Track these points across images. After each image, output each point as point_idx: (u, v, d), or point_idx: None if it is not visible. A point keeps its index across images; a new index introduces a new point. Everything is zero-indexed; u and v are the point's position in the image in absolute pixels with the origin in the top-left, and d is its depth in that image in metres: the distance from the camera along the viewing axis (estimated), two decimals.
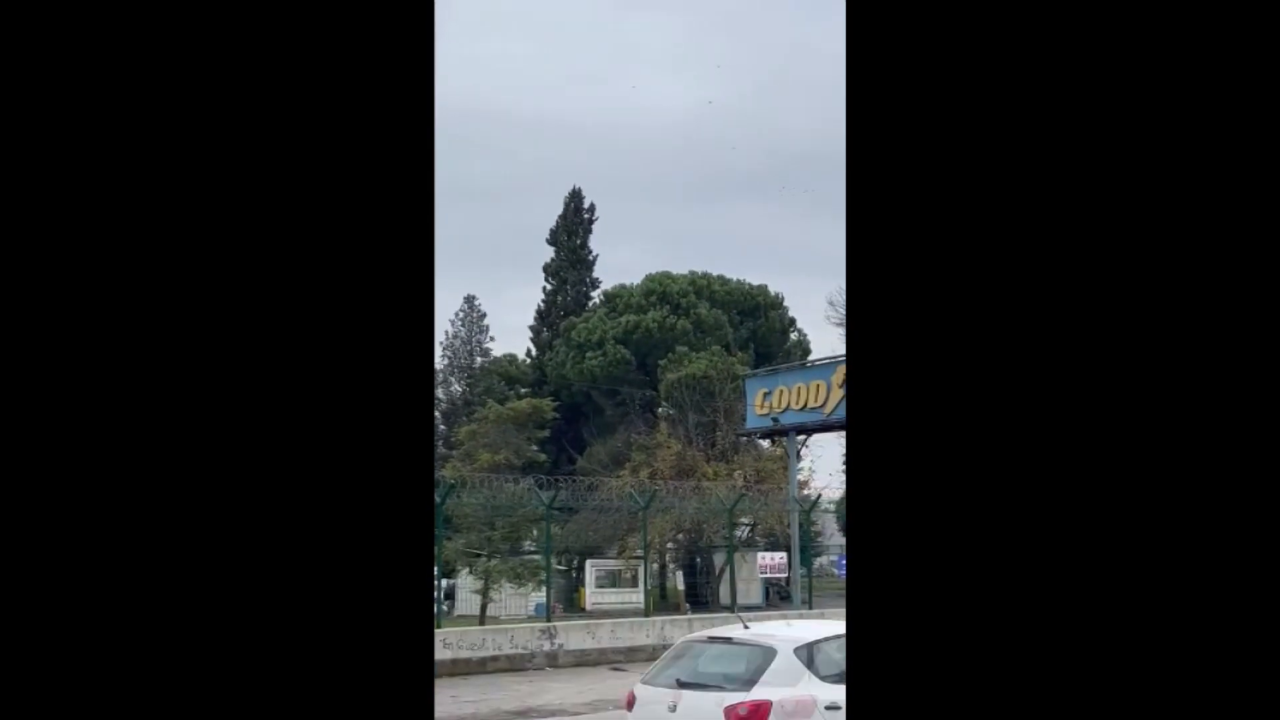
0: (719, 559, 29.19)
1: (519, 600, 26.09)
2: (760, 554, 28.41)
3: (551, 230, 49.07)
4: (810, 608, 24.52)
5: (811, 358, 39.84)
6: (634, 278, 47.15)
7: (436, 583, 24.74)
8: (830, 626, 8.45)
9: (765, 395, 28.76)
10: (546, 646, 19.29)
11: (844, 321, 26.90)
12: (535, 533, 25.75)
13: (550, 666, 18.85)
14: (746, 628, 8.61)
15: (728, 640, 8.50)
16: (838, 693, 7.16)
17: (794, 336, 46.26)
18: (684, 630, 21.17)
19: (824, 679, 7.64)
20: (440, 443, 41.40)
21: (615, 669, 18.86)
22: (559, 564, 25.70)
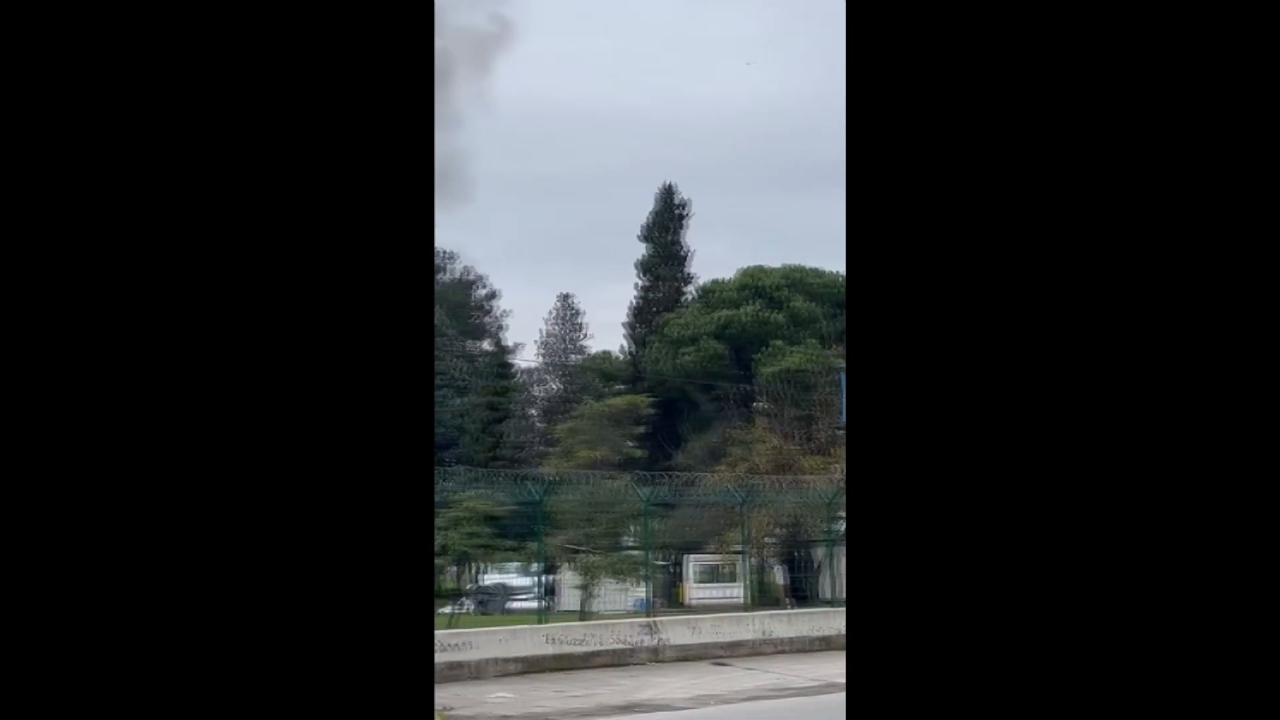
0: (819, 553, 28.94)
1: (619, 595, 26.14)
2: None
3: (644, 226, 49.11)
4: None
5: None
6: (727, 272, 46.98)
7: (538, 578, 24.93)
8: None
9: None
10: (649, 641, 19.33)
11: None
12: (634, 528, 25.80)
13: (653, 661, 18.89)
14: None
15: None
16: None
17: None
18: (786, 625, 21.07)
19: None
20: (539, 440, 41.76)
21: (718, 664, 18.85)
22: (658, 559, 25.74)
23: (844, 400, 29.65)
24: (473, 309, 57.42)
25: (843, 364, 34.48)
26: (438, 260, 58.56)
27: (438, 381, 44.83)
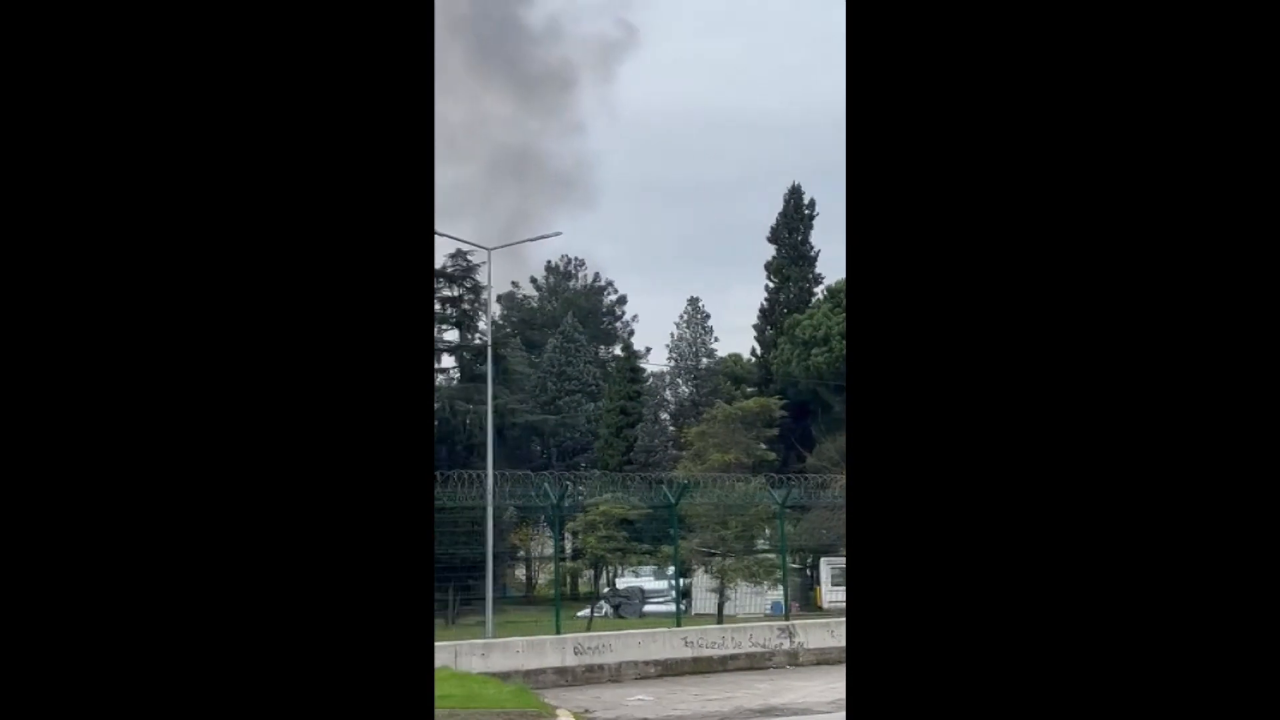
0: None
1: (754, 599, 26.02)
2: None
3: (772, 228, 48.78)
4: None
5: None
6: None
7: (674, 582, 24.88)
8: None
9: None
10: (786, 645, 19.23)
11: None
12: (768, 531, 25.67)
13: (790, 665, 18.81)
14: None
15: None
16: None
17: None
18: None
19: None
20: (670, 443, 41.76)
21: None
22: (793, 562, 25.61)
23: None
24: (603, 314, 57.88)
25: None
26: (567, 267, 59.18)
27: (571, 386, 45.14)
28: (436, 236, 29.61)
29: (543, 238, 35.44)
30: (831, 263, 52.16)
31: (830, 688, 16.15)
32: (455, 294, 40.84)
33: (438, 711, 13.10)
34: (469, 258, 38.52)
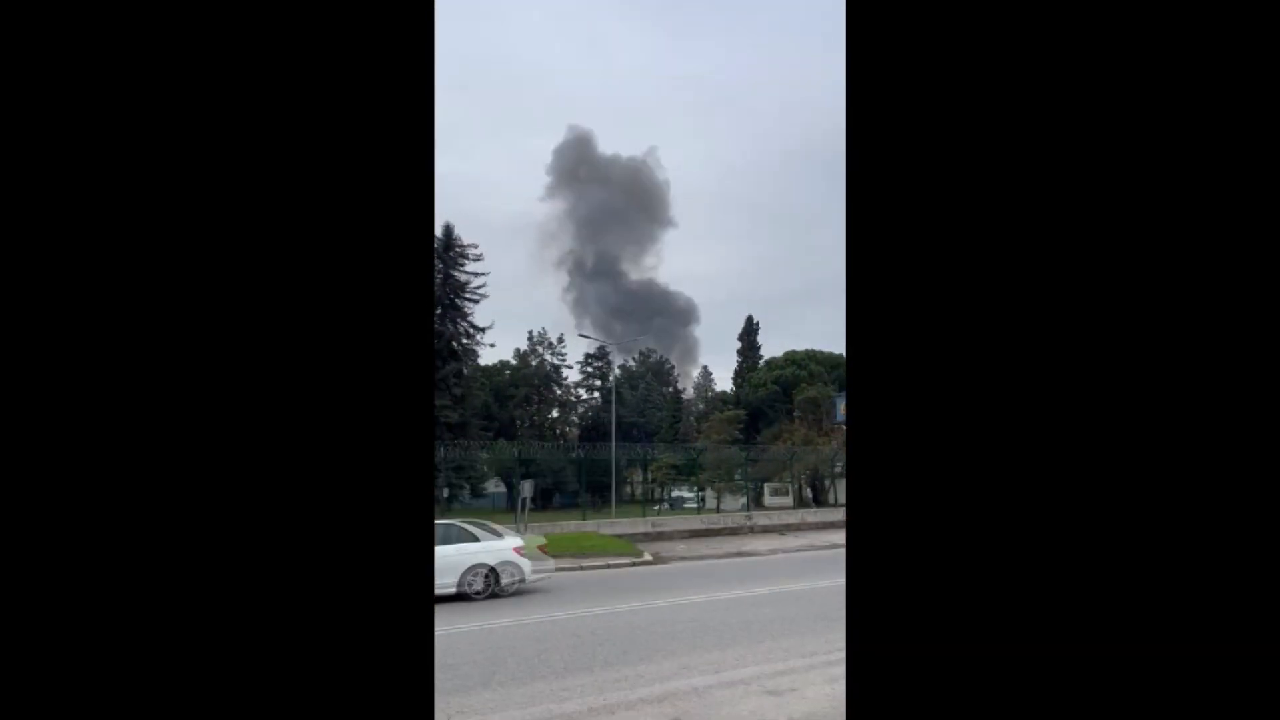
0: (828, 482, 27.57)
1: (733, 501, 25.48)
2: None
3: (738, 337, 48.50)
4: None
5: None
6: (778, 353, 45.61)
7: (697, 494, 24.26)
8: None
9: (843, 405, 26.83)
10: (748, 524, 18.74)
11: None
12: (739, 471, 25.26)
13: (750, 533, 18.27)
14: None
15: None
16: None
17: None
18: (813, 515, 19.94)
19: None
20: (694, 431, 40.94)
21: (780, 535, 18.04)
22: (751, 485, 25.04)
23: (837, 412, 27.91)
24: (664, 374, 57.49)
25: (836, 393, 32.62)
26: (651, 356, 58.43)
27: (651, 406, 44.84)
28: (586, 338, 30.32)
29: (639, 339, 35.92)
30: (766, 349, 50.90)
31: (770, 546, 15.65)
32: (599, 365, 41.05)
33: (586, 554, 11.77)
34: (607, 350, 38.68)
